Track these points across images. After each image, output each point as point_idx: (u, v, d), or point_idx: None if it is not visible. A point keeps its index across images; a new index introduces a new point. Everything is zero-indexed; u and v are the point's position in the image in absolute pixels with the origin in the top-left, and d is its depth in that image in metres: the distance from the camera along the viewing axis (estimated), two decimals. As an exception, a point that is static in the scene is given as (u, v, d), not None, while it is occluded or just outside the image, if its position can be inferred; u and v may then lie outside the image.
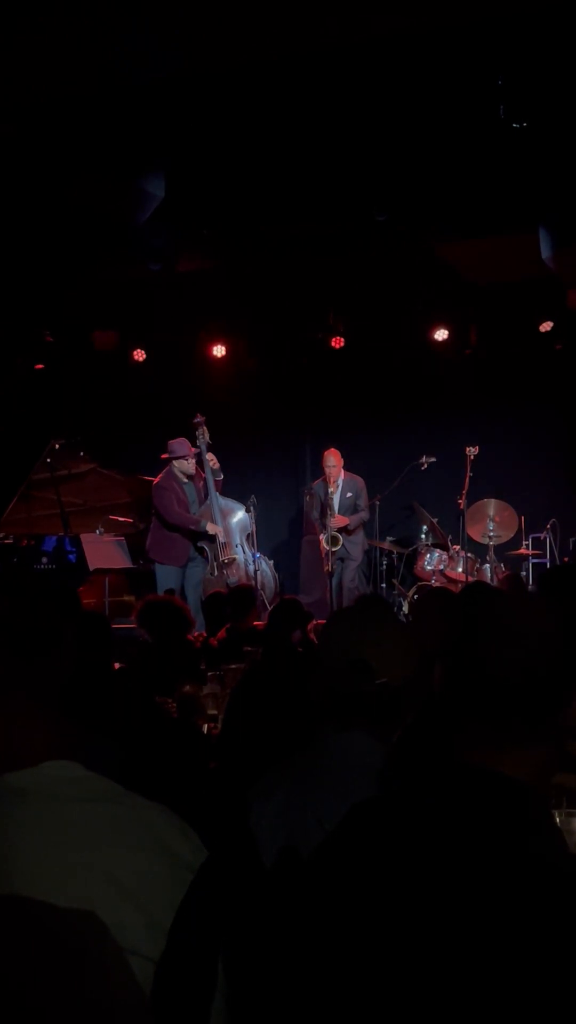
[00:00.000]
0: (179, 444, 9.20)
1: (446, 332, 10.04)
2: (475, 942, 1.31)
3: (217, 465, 9.41)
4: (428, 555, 9.57)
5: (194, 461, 9.28)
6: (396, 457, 10.01)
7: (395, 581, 9.86)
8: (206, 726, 4.00)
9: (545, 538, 9.49)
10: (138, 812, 1.53)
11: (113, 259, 8.70)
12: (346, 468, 9.62)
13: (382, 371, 10.34)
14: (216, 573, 9.27)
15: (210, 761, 3.57)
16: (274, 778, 2.11)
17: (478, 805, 1.41)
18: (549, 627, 1.50)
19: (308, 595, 9.59)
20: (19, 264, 8.41)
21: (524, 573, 9.45)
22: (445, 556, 9.52)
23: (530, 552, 9.56)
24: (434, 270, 9.31)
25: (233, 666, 4.53)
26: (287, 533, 11.02)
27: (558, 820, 2.06)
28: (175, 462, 9.20)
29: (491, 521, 9.49)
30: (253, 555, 9.53)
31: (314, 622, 6.47)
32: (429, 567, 9.50)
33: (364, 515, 9.60)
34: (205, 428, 9.48)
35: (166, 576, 9.15)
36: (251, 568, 9.42)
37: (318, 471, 9.90)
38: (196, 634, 6.35)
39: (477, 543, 9.58)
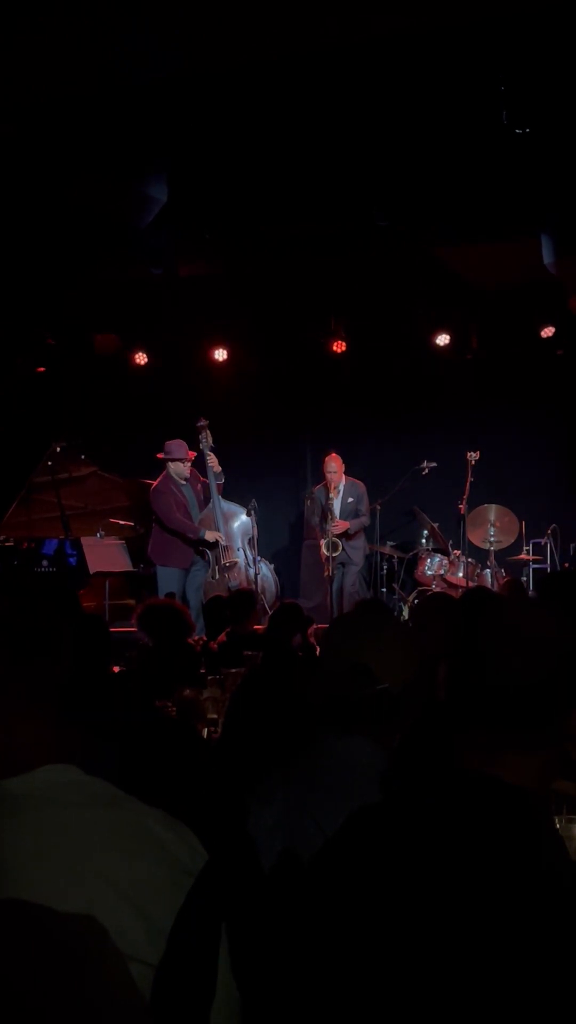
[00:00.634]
0: (176, 446, 9.19)
1: (447, 337, 10.04)
2: (475, 947, 1.30)
3: (219, 468, 9.41)
4: (429, 560, 9.56)
5: (189, 464, 9.26)
6: (397, 462, 10.01)
7: (396, 586, 9.85)
8: (206, 730, 4.00)
9: (546, 543, 9.49)
10: (136, 816, 1.53)
11: (114, 262, 8.70)
12: (347, 473, 9.61)
13: (383, 376, 10.35)
14: (217, 577, 9.27)
15: (210, 765, 3.57)
16: (274, 782, 2.11)
17: (478, 811, 1.41)
18: (550, 633, 1.50)
19: (309, 599, 9.59)
20: (19, 265, 8.41)
21: (524, 578, 9.44)
22: (446, 561, 9.52)
23: (530, 557, 9.56)
24: (436, 275, 9.32)
25: (233, 670, 4.52)
26: (288, 537, 11.02)
27: (558, 826, 2.06)
28: (170, 464, 9.17)
29: (492, 526, 9.48)
30: (254, 559, 9.53)
31: (314, 626, 6.47)
32: (430, 572, 9.50)
33: (365, 520, 9.59)
34: (208, 432, 9.48)
35: (167, 579, 9.14)
36: (252, 572, 9.42)
37: (319, 475, 9.91)
38: (196, 638, 6.35)
39: (478, 548, 9.57)
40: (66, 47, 5.72)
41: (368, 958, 1.38)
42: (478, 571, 9.39)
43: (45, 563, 9.07)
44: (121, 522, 9.95)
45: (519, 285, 9.37)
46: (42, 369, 10.46)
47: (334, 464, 9.49)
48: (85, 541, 9.20)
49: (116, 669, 4.98)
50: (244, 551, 9.53)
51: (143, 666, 4.99)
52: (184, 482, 9.25)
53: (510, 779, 1.43)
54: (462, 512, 9.44)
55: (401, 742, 2.11)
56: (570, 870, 1.38)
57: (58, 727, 1.58)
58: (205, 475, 9.43)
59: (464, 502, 9.44)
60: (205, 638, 6.69)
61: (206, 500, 9.44)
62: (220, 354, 10.37)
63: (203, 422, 9.48)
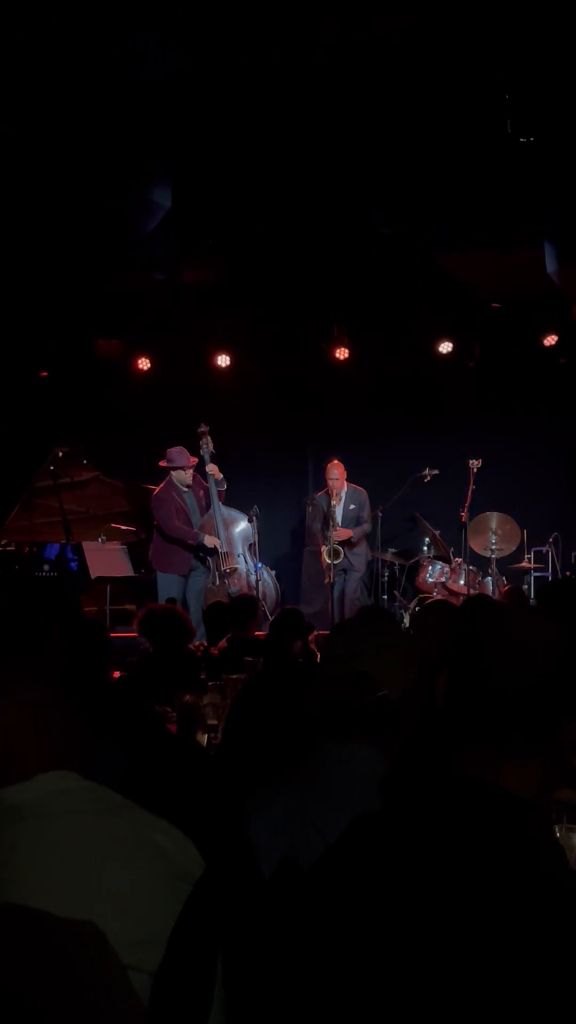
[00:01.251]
0: (178, 453, 9.20)
1: (450, 344, 10.05)
2: (475, 957, 1.30)
3: (220, 476, 9.41)
4: (430, 567, 9.56)
5: (192, 471, 9.27)
6: (399, 469, 10.01)
7: (396, 593, 9.85)
8: (206, 736, 4.00)
9: (547, 551, 9.48)
10: (135, 824, 1.53)
11: (117, 267, 8.70)
12: (349, 479, 9.62)
13: (386, 383, 10.35)
14: (218, 583, 9.26)
15: (208, 771, 3.57)
16: (274, 789, 2.11)
17: (478, 820, 1.40)
18: (549, 640, 1.50)
19: (309, 606, 9.58)
20: (21, 267, 8.42)
21: (526, 586, 9.44)
22: (447, 568, 9.51)
23: (532, 565, 9.55)
24: (439, 283, 9.32)
25: (234, 676, 4.52)
26: (289, 543, 11.02)
27: (558, 835, 2.06)
28: (173, 471, 9.19)
29: (493, 534, 9.48)
30: (255, 565, 9.53)
31: (315, 633, 6.46)
32: (431, 579, 9.49)
33: (366, 527, 9.59)
34: (209, 438, 9.48)
35: (168, 585, 9.14)
36: (253, 578, 9.41)
37: (321, 482, 9.91)
38: (197, 643, 6.34)
39: (479, 556, 9.57)
40: (66, 47, 5.72)
41: (367, 966, 1.38)
42: (479, 579, 9.38)
43: (46, 567, 9.08)
44: (122, 527, 9.96)
45: (522, 293, 9.37)
46: (44, 374, 10.47)
47: (336, 471, 9.49)
48: (86, 546, 9.21)
49: (116, 674, 4.98)
50: (244, 557, 9.53)
51: (143, 671, 4.99)
52: (186, 489, 9.25)
53: (510, 787, 1.43)
54: (464, 519, 9.43)
55: (401, 749, 2.11)
56: (570, 880, 1.38)
57: (57, 733, 1.57)
58: (206, 480, 9.43)
59: (466, 510, 9.43)
60: (206, 644, 6.69)
61: (207, 506, 9.44)
62: (223, 360, 10.38)
63: (204, 428, 9.49)
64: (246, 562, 9.52)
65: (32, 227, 7.72)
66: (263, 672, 4.54)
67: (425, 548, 9.89)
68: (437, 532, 9.84)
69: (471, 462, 9.48)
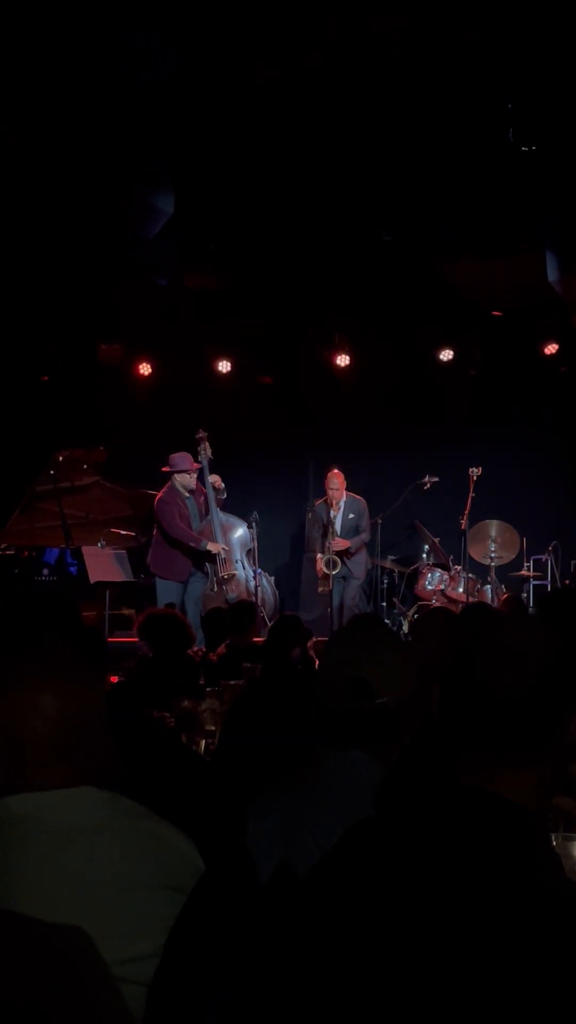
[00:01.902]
0: (181, 458, 9.21)
1: (451, 352, 10.06)
2: (472, 965, 1.30)
3: (222, 486, 9.42)
4: (429, 575, 9.56)
5: (195, 476, 9.28)
6: (399, 476, 10.01)
7: (396, 600, 9.85)
8: (204, 742, 3.99)
9: (547, 560, 9.48)
10: (143, 842, 1.53)
11: (119, 272, 8.71)
12: (349, 487, 9.62)
13: (386, 390, 10.36)
14: (216, 589, 9.26)
15: (206, 777, 3.56)
16: (271, 796, 2.11)
17: (475, 827, 1.41)
18: (547, 649, 1.50)
19: (308, 612, 9.58)
20: (22, 271, 8.43)
21: (525, 595, 9.44)
22: (446, 576, 9.51)
23: (531, 574, 9.55)
24: (440, 291, 9.33)
25: (232, 682, 4.52)
26: (289, 550, 11.01)
27: (555, 843, 2.05)
28: (176, 476, 9.19)
29: (492, 542, 9.48)
30: (254, 571, 9.53)
31: (314, 639, 6.46)
32: (430, 587, 9.49)
33: (365, 537, 9.59)
34: (207, 444, 9.49)
35: (167, 591, 9.14)
36: (251, 584, 9.41)
37: (321, 488, 9.91)
38: (195, 649, 6.34)
39: (478, 564, 9.57)
40: (66, 47, 5.71)
41: (364, 973, 1.38)
42: (479, 587, 9.38)
43: (46, 572, 9.08)
44: (122, 532, 9.95)
45: (523, 301, 9.38)
46: (45, 378, 10.48)
47: (336, 480, 9.49)
48: (86, 550, 9.21)
49: (114, 679, 4.98)
50: (243, 563, 9.53)
51: (142, 676, 4.98)
52: (188, 494, 9.26)
53: (507, 795, 1.43)
54: (463, 527, 9.43)
55: (399, 757, 2.11)
56: (567, 888, 1.38)
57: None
58: (205, 487, 9.44)
59: (465, 517, 9.43)
60: (204, 650, 6.69)
61: (206, 511, 9.45)
62: (224, 365, 10.39)
63: (202, 434, 9.49)
64: (245, 568, 9.52)
65: (33, 230, 7.74)
66: (261, 678, 4.54)
67: (425, 555, 9.89)
68: (437, 540, 9.84)
69: (471, 470, 9.48)
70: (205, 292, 9.60)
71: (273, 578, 10.12)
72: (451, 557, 9.70)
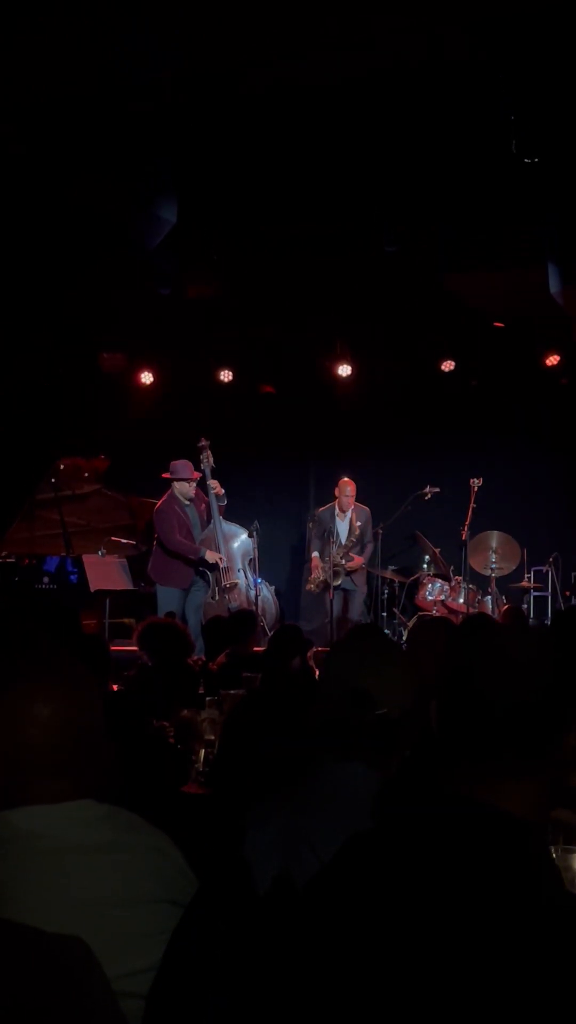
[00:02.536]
0: (182, 466, 9.19)
1: (452, 363, 10.08)
2: (471, 978, 1.30)
3: (222, 491, 9.41)
4: (430, 585, 9.56)
5: (195, 484, 9.27)
6: (400, 486, 10.01)
7: (396, 610, 9.84)
8: (203, 751, 3.98)
9: (547, 571, 9.47)
10: (144, 858, 1.53)
11: (121, 282, 8.73)
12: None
13: (388, 400, 10.37)
14: (217, 598, 9.25)
15: (205, 786, 3.56)
16: (270, 806, 2.10)
17: (474, 839, 1.40)
18: (547, 660, 1.50)
19: (309, 622, 9.57)
20: (23, 280, 8.44)
21: (526, 606, 9.43)
22: (447, 587, 9.51)
23: (532, 585, 9.54)
24: (442, 301, 9.35)
25: (232, 692, 4.51)
26: (289, 559, 11.01)
27: (555, 856, 2.05)
28: (176, 484, 9.18)
29: (493, 553, 9.48)
30: (254, 580, 9.52)
31: (314, 649, 6.45)
32: (430, 597, 9.48)
33: (371, 548, 9.65)
34: (209, 452, 9.48)
35: (167, 599, 9.12)
36: (252, 593, 9.40)
37: (322, 498, 9.91)
38: (195, 658, 6.33)
39: (479, 574, 9.57)
40: (66, 47, 5.73)
41: (362, 985, 1.37)
42: (479, 597, 9.37)
43: (46, 580, 9.07)
44: (123, 540, 9.95)
45: (525, 313, 9.40)
46: (46, 386, 10.48)
47: (349, 488, 9.56)
48: (86, 559, 9.20)
49: (114, 688, 4.97)
50: (244, 572, 9.52)
51: (142, 685, 4.98)
52: (188, 502, 9.25)
53: (506, 807, 1.43)
54: (464, 538, 9.43)
55: (399, 768, 2.11)
56: (566, 901, 1.37)
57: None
58: (207, 495, 9.43)
59: (466, 528, 9.43)
60: (204, 659, 6.68)
61: (208, 520, 9.44)
62: (225, 375, 10.40)
63: (204, 442, 9.49)
64: (246, 577, 9.51)
65: (35, 239, 7.75)
66: (261, 688, 4.53)
67: (425, 566, 9.88)
68: (437, 550, 9.83)
69: (472, 480, 9.49)
70: (207, 301, 9.62)
71: (273, 587, 10.12)
72: (452, 568, 9.69)
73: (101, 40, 5.70)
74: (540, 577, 9.57)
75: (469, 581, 9.41)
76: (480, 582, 9.57)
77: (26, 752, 1.54)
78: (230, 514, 9.66)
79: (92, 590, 9.05)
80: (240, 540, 9.53)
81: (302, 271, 9.00)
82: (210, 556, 9.15)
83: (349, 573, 9.44)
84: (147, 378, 10.46)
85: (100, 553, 9.48)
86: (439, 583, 9.55)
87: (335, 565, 9.34)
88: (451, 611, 9.23)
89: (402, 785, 2.04)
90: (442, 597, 9.44)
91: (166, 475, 9.20)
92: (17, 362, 10.01)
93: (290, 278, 9.10)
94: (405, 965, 1.34)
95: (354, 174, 7.21)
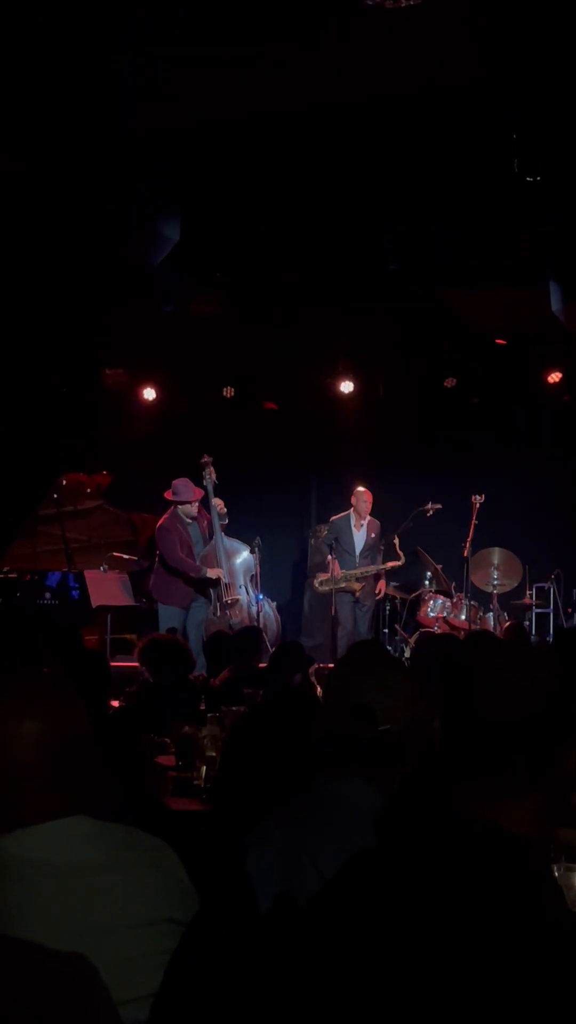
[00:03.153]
0: (184, 486, 9.17)
1: (454, 380, 10.09)
2: (473, 997, 1.29)
3: (224, 510, 9.42)
4: (432, 602, 9.55)
5: (197, 504, 9.27)
6: (402, 503, 10.02)
7: (398, 627, 9.83)
8: (204, 768, 3.98)
9: (549, 588, 9.46)
10: (144, 877, 1.52)
11: (124, 298, 8.75)
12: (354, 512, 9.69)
13: (390, 417, 10.38)
14: (219, 614, 9.24)
15: (206, 803, 3.55)
16: (271, 823, 2.09)
17: (476, 858, 1.40)
18: (549, 678, 1.50)
19: (311, 638, 9.56)
20: (25, 294, 8.47)
21: (528, 623, 9.42)
22: (449, 603, 9.49)
23: (534, 602, 9.53)
24: (444, 319, 9.38)
25: (233, 708, 4.50)
26: (291, 576, 11.00)
27: (557, 875, 2.04)
28: (178, 504, 9.19)
29: (495, 569, 9.47)
30: (256, 597, 9.51)
31: (316, 665, 6.44)
32: (432, 614, 9.47)
33: (379, 559, 9.72)
34: (212, 468, 9.48)
35: (169, 616, 9.11)
36: (254, 610, 9.39)
37: (324, 515, 9.92)
38: (197, 675, 6.33)
39: (481, 591, 9.56)
40: (68, 63, 5.77)
41: (364, 1005, 1.37)
42: (481, 614, 9.36)
43: (47, 596, 9.07)
44: (124, 556, 9.94)
45: (527, 330, 9.42)
46: (49, 401, 10.50)
47: (366, 497, 9.59)
48: (88, 574, 9.20)
49: (115, 704, 4.97)
50: (246, 588, 9.51)
51: (142, 701, 4.97)
52: (191, 520, 9.24)
53: (508, 825, 1.42)
54: (465, 554, 9.43)
55: (401, 785, 2.10)
56: (568, 920, 1.37)
57: (69, 769, 1.56)
58: (209, 511, 9.43)
59: (468, 544, 9.43)
60: (205, 675, 6.67)
61: (210, 536, 9.44)
62: (228, 391, 10.42)
63: (207, 459, 9.50)
64: (247, 593, 9.50)
65: (39, 256, 7.78)
66: (262, 704, 4.52)
67: (427, 582, 9.88)
68: (439, 566, 9.83)
69: (474, 497, 9.49)
70: (209, 318, 9.65)
71: (275, 603, 10.11)
72: (453, 584, 9.68)
73: (104, 59, 5.74)
74: (542, 594, 9.55)
75: (471, 598, 9.40)
76: (482, 599, 9.56)
77: (16, 770, 1.53)
78: (232, 530, 9.66)
79: (93, 606, 9.04)
80: (242, 556, 9.53)
81: (304, 288, 9.03)
82: (211, 572, 9.14)
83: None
84: (149, 394, 10.47)
85: (102, 569, 9.48)
86: (441, 600, 9.54)
87: (350, 578, 9.36)
88: (453, 628, 9.21)
89: (404, 802, 2.03)
90: (444, 614, 9.43)
91: (168, 495, 9.20)
92: (19, 377, 10.03)
93: (292, 295, 9.12)
94: (407, 984, 1.34)
95: (357, 192, 7.24)
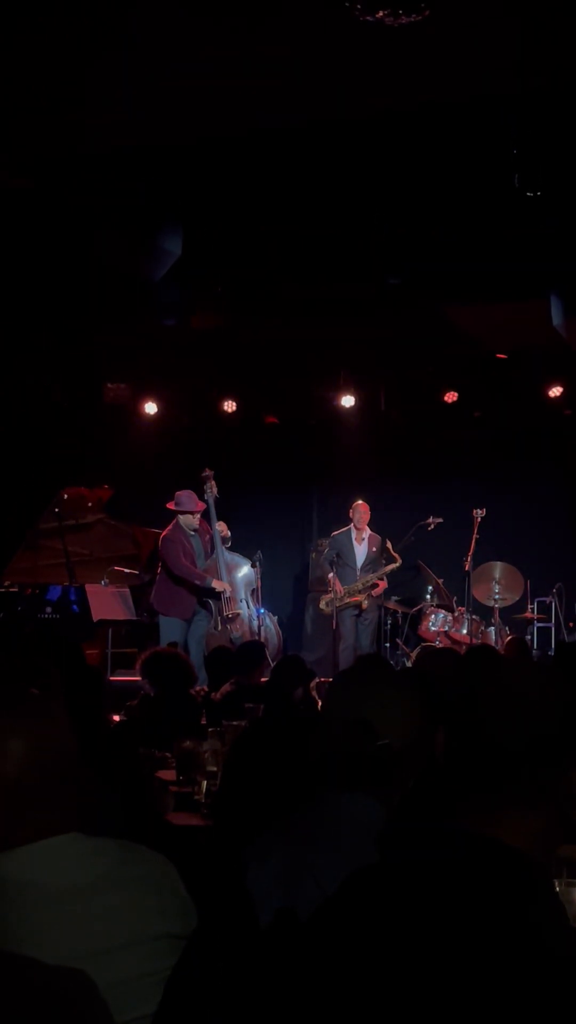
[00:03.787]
0: (187, 497, 9.19)
1: (455, 394, 10.11)
2: (474, 1012, 1.28)
3: (228, 533, 9.42)
4: (433, 616, 9.54)
5: (199, 516, 9.28)
6: (403, 517, 10.02)
7: (399, 641, 9.81)
8: (205, 782, 3.96)
9: (551, 602, 9.45)
10: (142, 893, 1.51)
11: (126, 313, 8.78)
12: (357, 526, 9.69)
13: (391, 431, 10.40)
14: (220, 628, 9.24)
15: (207, 817, 3.53)
16: (272, 838, 2.09)
17: (478, 874, 1.39)
18: (551, 693, 1.49)
19: (312, 652, 9.55)
20: (28, 309, 8.49)
21: (529, 637, 9.41)
22: (450, 618, 9.48)
23: (535, 616, 9.52)
24: (445, 333, 9.40)
25: (234, 722, 4.49)
26: (292, 590, 10.99)
27: (558, 890, 2.03)
28: (180, 515, 9.20)
29: (496, 583, 9.46)
30: (257, 611, 9.50)
31: (317, 680, 6.43)
32: (434, 628, 9.46)
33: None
34: (213, 482, 9.50)
35: (170, 629, 9.11)
36: (255, 624, 9.39)
37: (325, 528, 9.91)
38: (198, 689, 6.32)
39: (482, 605, 9.55)
40: (68, 83, 5.81)
41: (365, 1021, 1.36)
42: (482, 628, 9.35)
43: (49, 610, 9.06)
44: (126, 570, 9.94)
45: (528, 345, 9.44)
46: (51, 416, 10.52)
47: (363, 508, 9.61)
48: (89, 589, 9.20)
49: (116, 718, 4.96)
50: (247, 602, 9.51)
51: (144, 715, 4.96)
52: (193, 533, 9.26)
53: (510, 840, 1.42)
54: (467, 569, 9.42)
55: (402, 800, 2.09)
56: (570, 935, 1.36)
57: (62, 786, 1.56)
58: (210, 525, 9.44)
59: (469, 559, 9.43)
60: (207, 689, 6.66)
61: (211, 551, 9.44)
62: (229, 405, 10.44)
63: (208, 472, 9.51)
64: (248, 607, 9.50)
65: (40, 270, 7.81)
66: (263, 719, 4.52)
67: (428, 596, 9.87)
68: (440, 580, 9.82)
69: (475, 511, 9.50)
70: (211, 332, 9.67)
71: (276, 617, 10.10)
72: (455, 598, 9.67)
73: (106, 74, 5.77)
74: (543, 608, 9.54)
75: (472, 612, 9.39)
76: (483, 613, 9.55)
77: (4, 789, 1.53)
78: (233, 544, 9.66)
79: (95, 620, 9.03)
80: (243, 571, 9.53)
81: (305, 302, 9.05)
82: (216, 584, 9.15)
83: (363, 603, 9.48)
84: (151, 408, 10.48)
85: (103, 583, 9.48)
86: (442, 614, 9.53)
87: (353, 592, 9.36)
88: (454, 642, 9.20)
89: (405, 817, 2.02)
90: (445, 628, 9.42)
91: (171, 505, 9.21)
92: (21, 391, 10.05)
93: (293, 310, 9.14)
94: (410, 999, 1.33)
95: (358, 206, 7.26)
